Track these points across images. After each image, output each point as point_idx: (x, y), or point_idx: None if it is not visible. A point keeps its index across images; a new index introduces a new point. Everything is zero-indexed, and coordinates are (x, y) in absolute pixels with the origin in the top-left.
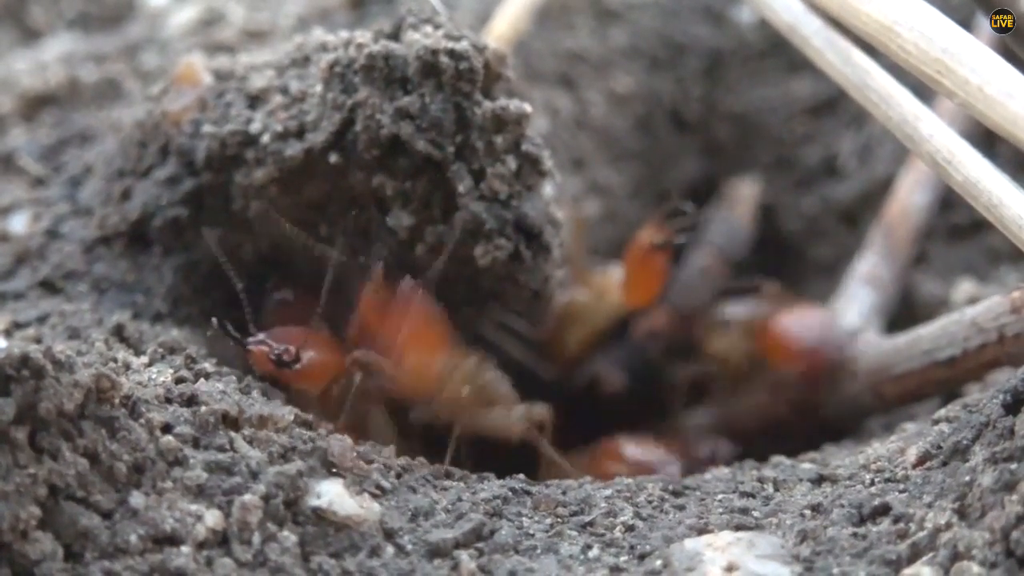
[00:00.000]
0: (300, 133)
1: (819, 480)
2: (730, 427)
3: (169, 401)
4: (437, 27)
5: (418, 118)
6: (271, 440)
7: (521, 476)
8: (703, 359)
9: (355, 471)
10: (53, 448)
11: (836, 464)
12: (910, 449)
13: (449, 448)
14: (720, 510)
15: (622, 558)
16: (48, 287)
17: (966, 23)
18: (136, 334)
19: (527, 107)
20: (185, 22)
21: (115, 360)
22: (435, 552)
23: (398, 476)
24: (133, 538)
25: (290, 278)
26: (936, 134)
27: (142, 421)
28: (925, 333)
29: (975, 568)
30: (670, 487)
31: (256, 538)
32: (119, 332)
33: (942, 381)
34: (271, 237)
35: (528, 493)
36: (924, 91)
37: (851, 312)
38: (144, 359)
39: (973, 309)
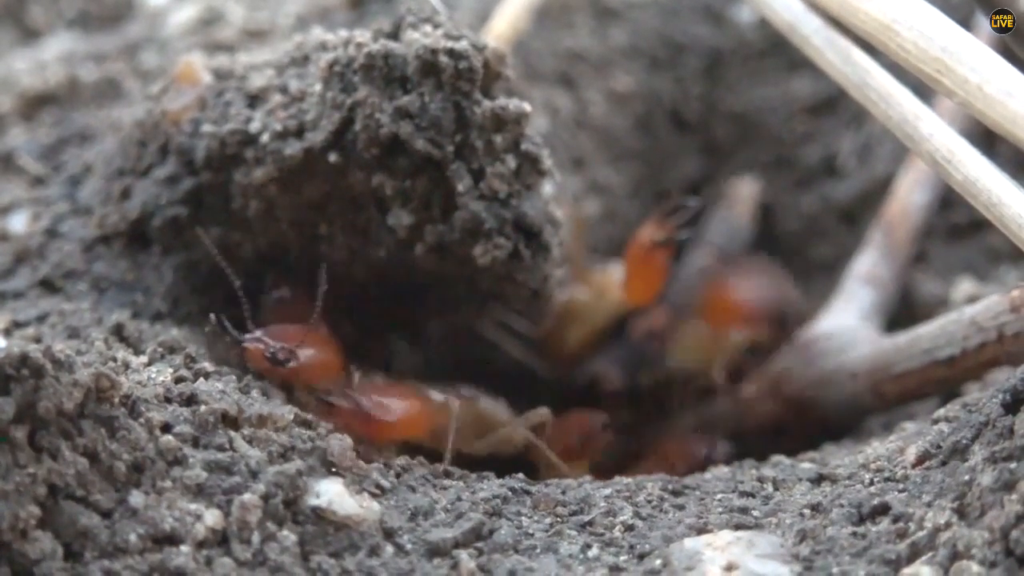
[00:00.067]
0: (300, 132)
1: (819, 479)
2: (727, 427)
3: (169, 400)
4: (436, 26)
5: (417, 117)
6: (271, 439)
7: (521, 476)
8: (666, 369)
9: (355, 470)
10: (53, 447)
11: (836, 464)
12: (910, 448)
13: (449, 448)
14: (720, 509)
15: (621, 557)
16: (48, 286)
17: (966, 22)
18: (136, 333)
19: (526, 106)
20: (185, 21)
21: (115, 359)
22: (435, 551)
23: (398, 475)
24: (133, 537)
25: (289, 277)
26: (936, 133)
27: (142, 420)
28: (925, 332)
29: (974, 567)
30: (669, 487)
31: (256, 537)
32: (119, 331)
33: (942, 380)
34: (270, 236)
35: (528, 492)
36: (924, 90)
37: (850, 311)
38: (144, 358)
39: (972, 308)
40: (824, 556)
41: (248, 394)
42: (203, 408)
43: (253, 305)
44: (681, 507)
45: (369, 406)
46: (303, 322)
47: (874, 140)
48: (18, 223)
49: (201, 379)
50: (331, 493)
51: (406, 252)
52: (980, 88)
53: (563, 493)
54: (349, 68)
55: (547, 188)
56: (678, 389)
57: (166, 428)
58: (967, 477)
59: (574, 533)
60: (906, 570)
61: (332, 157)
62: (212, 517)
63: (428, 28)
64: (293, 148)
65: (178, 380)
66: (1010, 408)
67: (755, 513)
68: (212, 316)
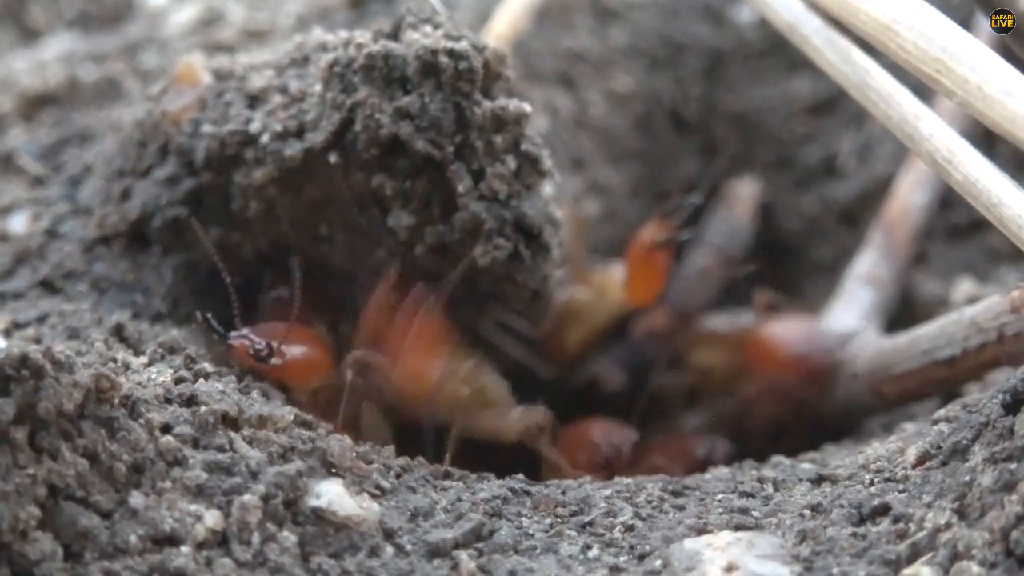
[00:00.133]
0: (300, 133)
1: (819, 480)
2: (728, 427)
3: (169, 401)
4: (436, 27)
5: (417, 118)
6: (271, 440)
7: (521, 476)
8: (688, 370)
9: (355, 471)
10: (53, 448)
11: (836, 464)
12: (910, 449)
13: (448, 448)
14: (720, 510)
15: (622, 558)
16: (48, 287)
17: (965, 22)
18: (136, 334)
19: (526, 107)
20: (185, 22)
21: (115, 360)
22: (435, 552)
23: (398, 476)
24: (133, 538)
25: (287, 276)
26: (936, 133)
27: (142, 421)
28: (924, 333)
29: (975, 568)
30: (670, 487)
31: (256, 538)
32: (119, 332)
33: (942, 381)
34: (270, 236)
35: (528, 493)
36: (924, 90)
37: (850, 312)
38: (144, 359)
39: (972, 308)
40: (824, 556)
41: (248, 395)
42: (203, 409)
43: (252, 305)
44: (681, 508)
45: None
46: (302, 322)
47: (874, 140)
48: (18, 223)
49: (201, 380)
50: (331, 494)
51: (406, 252)
52: (980, 88)
53: (563, 494)
54: (349, 68)
55: (547, 188)
56: (690, 391)
57: (166, 429)
58: (967, 478)
59: (574, 534)
60: (906, 571)
61: (332, 158)
62: (212, 518)
63: (428, 28)
64: (293, 149)
65: (178, 381)
66: (1010, 408)
67: (755, 514)
68: (199, 314)
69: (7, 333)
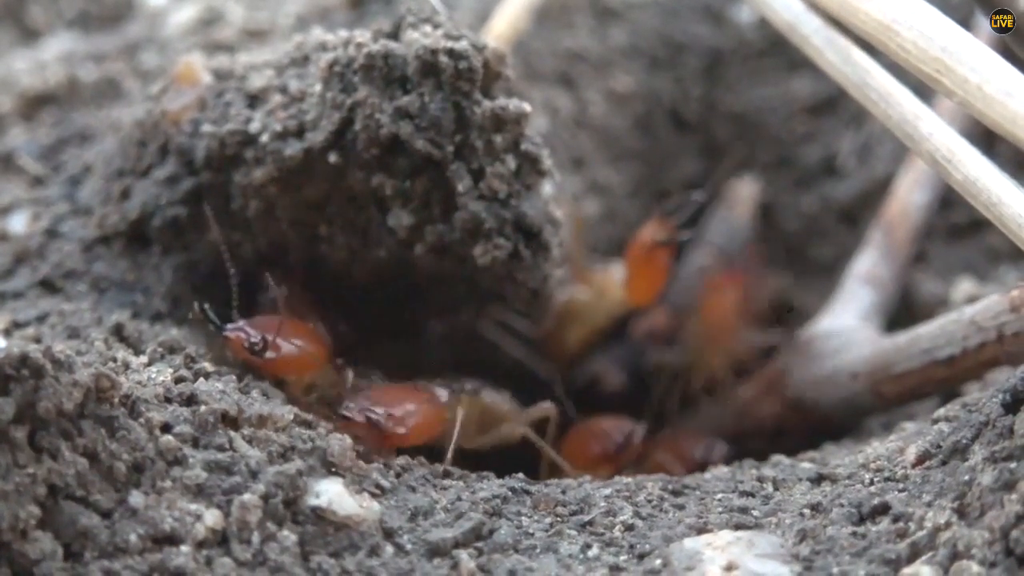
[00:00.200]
0: (299, 132)
1: (818, 479)
2: (726, 427)
3: (168, 401)
4: (436, 26)
5: (417, 117)
6: (270, 439)
7: (521, 476)
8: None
9: (354, 470)
10: (52, 448)
11: (835, 463)
12: (909, 448)
13: (448, 448)
14: (720, 509)
15: (621, 557)
16: (47, 286)
17: (966, 22)
18: (135, 333)
19: (526, 106)
20: (185, 21)
21: (114, 359)
22: (434, 551)
23: (397, 475)
24: (133, 537)
25: (286, 276)
26: (936, 133)
27: (141, 420)
28: (924, 332)
29: (974, 567)
30: (669, 487)
31: (255, 537)
32: (118, 331)
33: (941, 380)
34: (270, 236)
35: (528, 492)
36: (924, 90)
37: (850, 311)
38: (143, 359)
39: (972, 308)
40: (824, 556)
41: (248, 394)
42: (203, 408)
43: (252, 304)
44: (681, 507)
45: (382, 421)
46: (298, 316)
47: (874, 140)
48: (18, 223)
49: (201, 379)
50: (331, 493)
51: (406, 252)
52: (980, 88)
53: (563, 493)
54: (349, 68)
55: (547, 188)
56: (681, 387)
57: (166, 428)
58: (967, 477)
59: (574, 533)
60: (906, 570)
61: (332, 157)
62: (212, 517)
63: (428, 28)
64: (293, 148)
65: (178, 380)
66: (1010, 408)
67: (755, 513)
68: (196, 305)
69: (7, 333)
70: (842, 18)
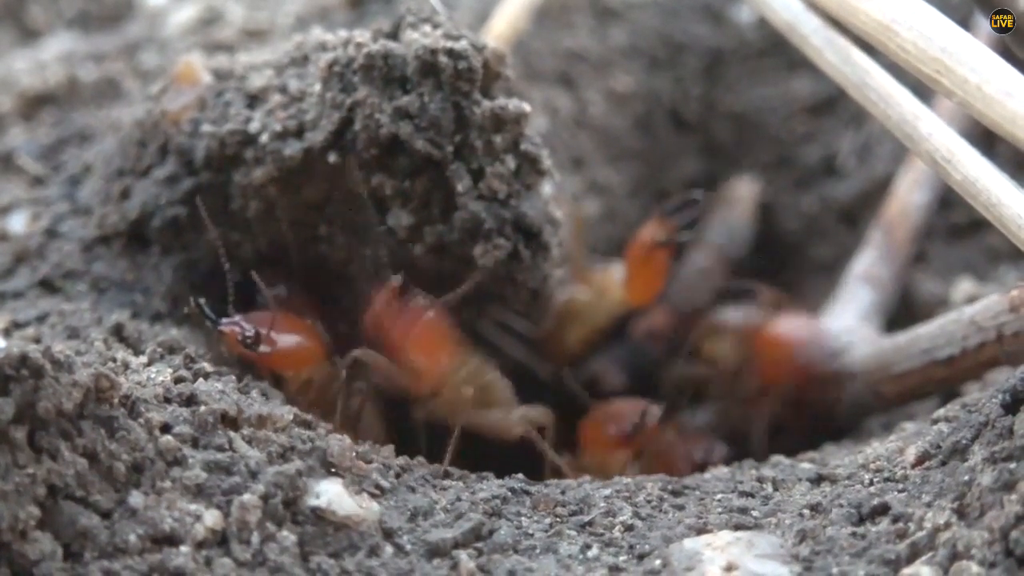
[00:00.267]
0: (299, 132)
1: (818, 480)
2: (728, 428)
3: (168, 401)
4: (436, 26)
5: (417, 117)
6: (270, 440)
7: (520, 476)
8: (698, 362)
9: (354, 471)
10: (52, 448)
11: (835, 464)
12: (909, 449)
13: (448, 448)
14: (719, 510)
15: (621, 558)
16: (47, 286)
17: (965, 22)
18: (135, 333)
19: (526, 106)
20: (184, 21)
21: (114, 360)
22: (434, 552)
23: (397, 476)
24: (132, 538)
25: (286, 275)
26: (935, 133)
27: (141, 421)
28: (924, 332)
29: (974, 568)
30: (669, 487)
31: (255, 538)
32: (118, 332)
33: (941, 380)
34: (270, 236)
35: (527, 493)
36: (923, 90)
37: (850, 311)
38: (143, 359)
39: (972, 308)
40: (824, 556)
41: (248, 394)
42: (203, 408)
43: (251, 303)
44: (681, 507)
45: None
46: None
47: (874, 140)
48: (18, 223)
49: (201, 379)
50: (331, 493)
51: (406, 252)
52: (979, 88)
53: (563, 493)
54: (349, 68)
55: (547, 188)
56: (672, 389)
57: (166, 428)
58: (967, 477)
59: (574, 533)
60: (906, 570)
61: (332, 157)
62: (212, 517)
63: (428, 28)
64: (293, 148)
65: (178, 380)
66: (1010, 408)
67: (755, 513)
68: (192, 299)
69: (7, 333)
70: (841, 18)
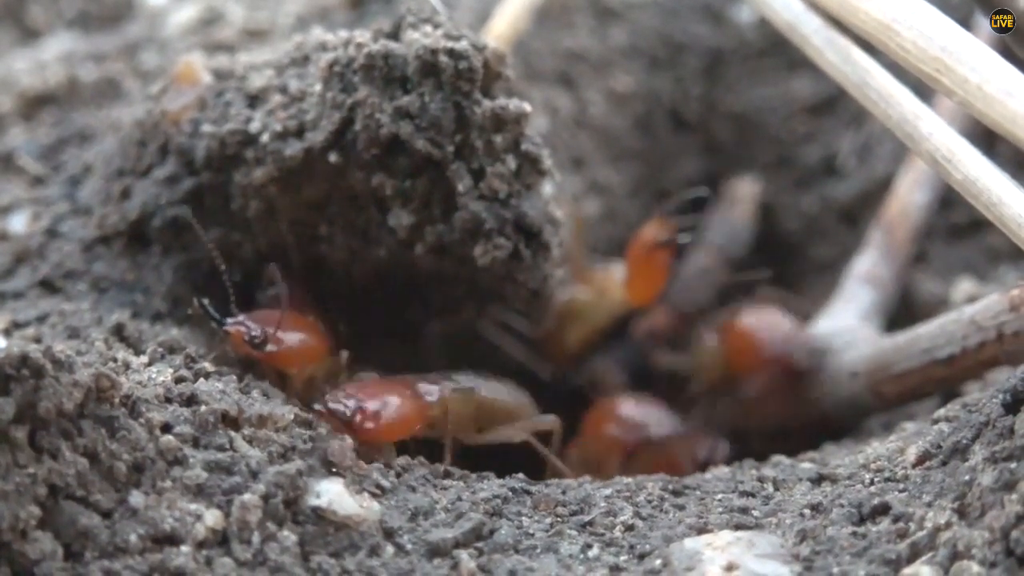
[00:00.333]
0: (300, 132)
1: (819, 479)
2: (728, 427)
3: (169, 401)
4: (436, 26)
5: (417, 117)
6: (271, 439)
7: (521, 476)
8: (683, 354)
9: (355, 470)
10: (53, 448)
11: (836, 463)
12: (910, 448)
13: (448, 448)
14: (720, 509)
15: (622, 557)
16: (48, 286)
17: (965, 22)
18: (136, 333)
19: (526, 106)
20: (185, 21)
21: (115, 359)
22: (435, 551)
23: (398, 475)
24: (133, 537)
25: (287, 274)
26: (935, 132)
27: (142, 421)
28: (924, 332)
29: (975, 567)
30: (670, 487)
31: (256, 537)
32: (119, 331)
33: (941, 380)
34: (270, 236)
35: (528, 493)
36: (923, 90)
37: (850, 311)
38: (144, 358)
39: (972, 307)
40: (824, 556)
41: (248, 394)
42: (203, 408)
43: (251, 303)
44: (681, 507)
45: (348, 414)
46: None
47: (874, 140)
48: (18, 223)
49: (201, 379)
50: (331, 493)
51: (406, 252)
52: (980, 87)
53: (563, 493)
54: (349, 68)
55: (547, 188)
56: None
57: (166, 428)
58: (967, 477)
59: (574, 533)
60: (906, 570)
61: (332, 157)
62: (212, 517)
63: (428, 28)
64: (293, 148)
65: (178, 380)
66: (1010, 408)
67: (755, 513)
68: (195, 300)
69: (7, 333)
70: (842, 18)
